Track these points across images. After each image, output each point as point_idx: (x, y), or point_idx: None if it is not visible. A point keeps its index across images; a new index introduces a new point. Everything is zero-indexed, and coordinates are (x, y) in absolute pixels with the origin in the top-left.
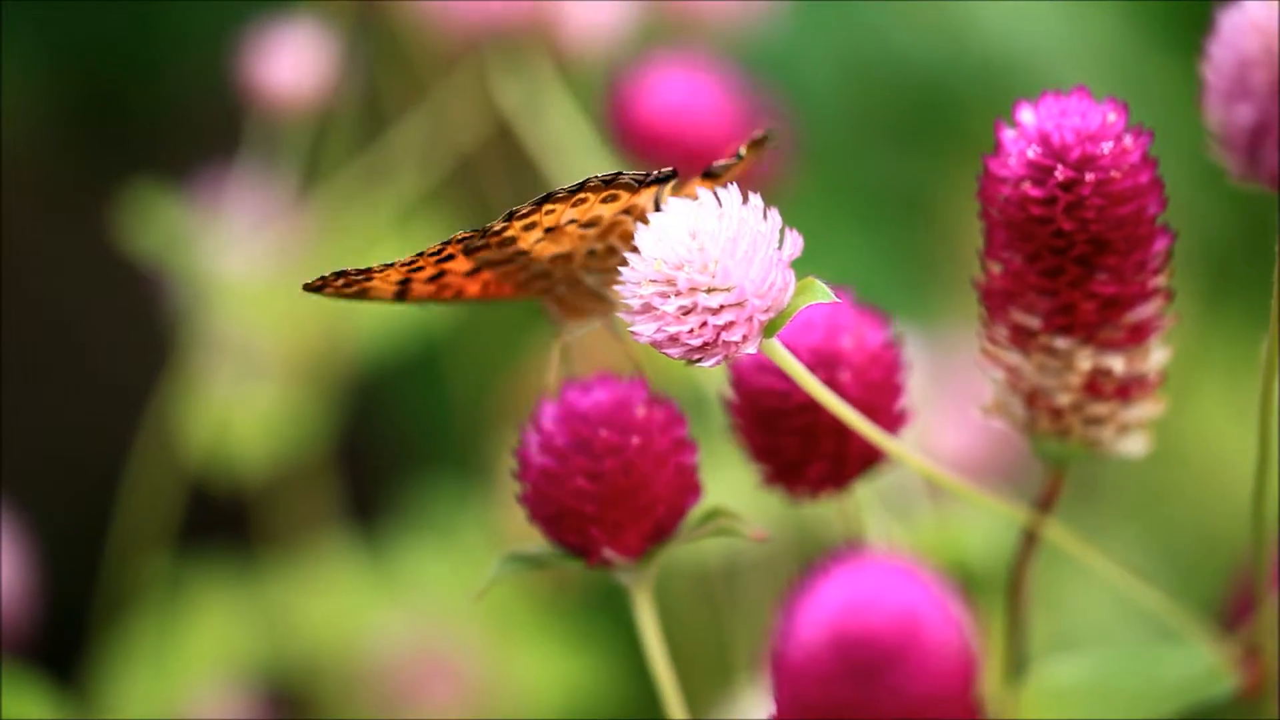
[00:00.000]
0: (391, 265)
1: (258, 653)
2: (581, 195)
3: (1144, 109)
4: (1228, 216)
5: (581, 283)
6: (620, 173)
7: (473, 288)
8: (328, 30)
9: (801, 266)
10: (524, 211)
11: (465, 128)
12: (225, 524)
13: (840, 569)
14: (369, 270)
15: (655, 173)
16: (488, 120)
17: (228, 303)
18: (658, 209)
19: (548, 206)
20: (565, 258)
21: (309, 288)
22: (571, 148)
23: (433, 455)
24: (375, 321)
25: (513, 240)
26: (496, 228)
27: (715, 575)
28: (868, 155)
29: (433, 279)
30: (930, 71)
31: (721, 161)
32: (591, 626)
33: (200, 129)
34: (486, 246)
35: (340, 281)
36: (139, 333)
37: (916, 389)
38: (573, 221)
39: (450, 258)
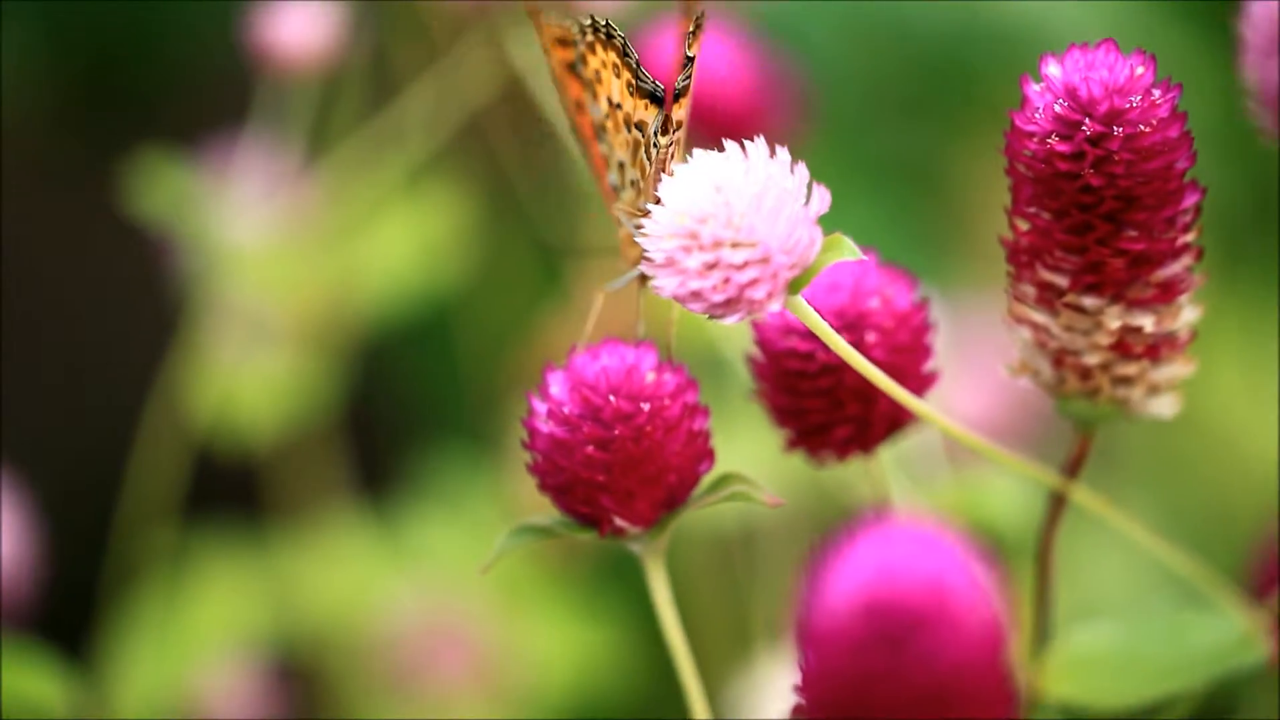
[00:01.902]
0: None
1: (266, 624)
2: (621, 56)
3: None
4: (1241, 185)
5: None
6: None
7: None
8: None
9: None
10: (589, 31)
11: (475, 90)
12: (233, 493)
13: (868, 535)
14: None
15: (654, 84)
16: (498, 82)
17: (236, 269)
18: (657, 138)
19: (593, 37)
20: (624, 170)
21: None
22: None
23: (443, 423)
24: (385, 286)
25: (584, 61)
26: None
27: (733, 541)
28: (879, 124)
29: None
30: (942, 40)
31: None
32: (604, 596)
33: (209, 94)
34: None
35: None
36: (146, 301)
37: (940, 352)
38: (618, 106)
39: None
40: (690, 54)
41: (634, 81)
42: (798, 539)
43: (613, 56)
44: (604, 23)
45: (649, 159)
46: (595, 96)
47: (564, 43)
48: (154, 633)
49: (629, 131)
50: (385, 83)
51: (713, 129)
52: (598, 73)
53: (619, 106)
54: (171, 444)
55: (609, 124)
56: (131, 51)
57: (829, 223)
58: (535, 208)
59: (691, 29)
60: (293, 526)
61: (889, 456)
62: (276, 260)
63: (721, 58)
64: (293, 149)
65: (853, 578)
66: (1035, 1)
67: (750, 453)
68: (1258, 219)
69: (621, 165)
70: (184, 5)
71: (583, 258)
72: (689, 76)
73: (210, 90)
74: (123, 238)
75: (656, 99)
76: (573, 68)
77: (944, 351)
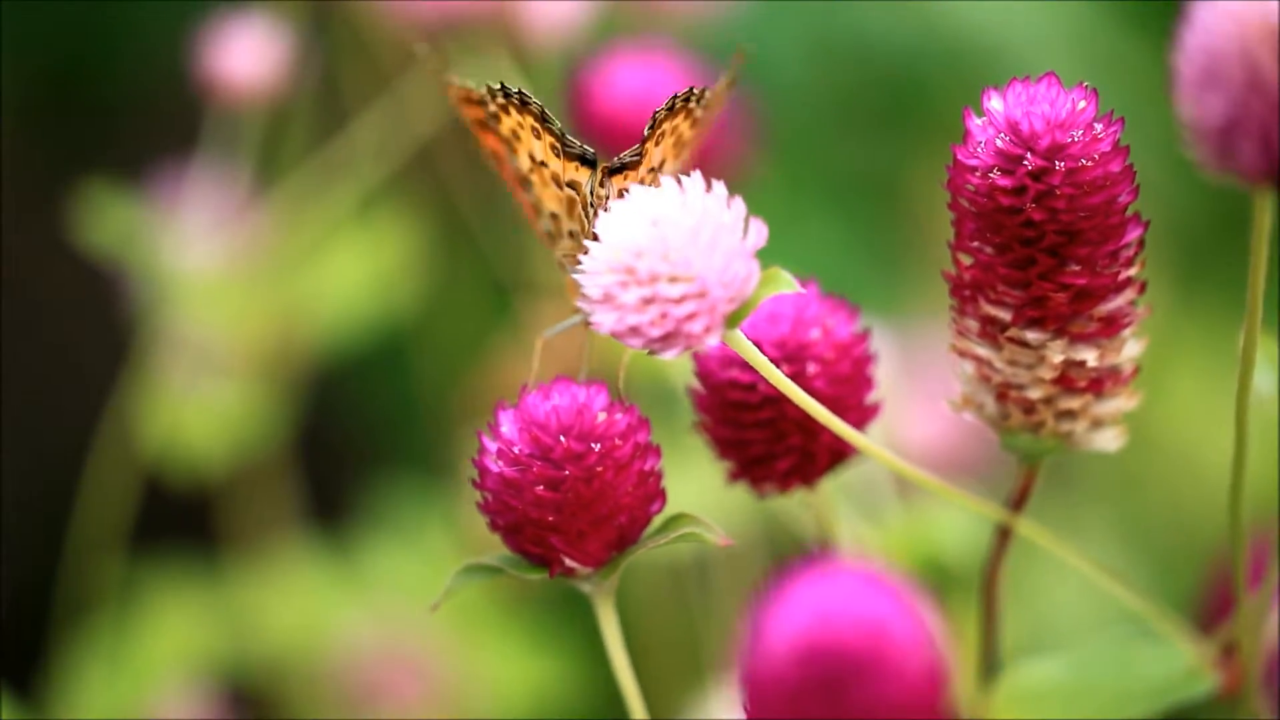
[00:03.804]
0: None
1: (220, 653)
2: (539, 122)
3: (1115, 92)
4: (1199, 200)
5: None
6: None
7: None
8: (285, 22)
9: (769, 253)
10: (500, 96)
11: (424, 119)
12: (186, 523)
13: (808, 578)
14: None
15: (583, 149)
16: (447, 111)
17: (186, 298)
18: (593, 198)
19: (505, 101)
20: (558, 220)
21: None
22: None
23: (397, 451)
24: (336, 314)
25: (499, 123)
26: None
27: (687, 565)
28: (836, 141)
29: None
30: (899, 56)
31: (628, 152)
32: (558, 624)
33: (158, 122)
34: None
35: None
36: (97, 331)
37: (885, 378)
38: (543, 164)
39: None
40: (647, 134)
41: (559, 145)
42: (753, 563)
43: (530, 120)
44: (515, 90)
45: (587, 214)
46: (514, 151)
47: (472, 102)
48: (106, 662)
49: (560, 189)
50: (334, 111)
51: None
52: (514, 132)
53: (544, 164)
54: (123, 474)
55: (534, 177)
56: (88, 77)
57: (786, 241)
58: (486, 237)
59: (652, 122)
60: (246, 556)
61: (835, 487)
62: (227, 289)
63: (667, 81)
64: (242, 177)
65: (792, 621)
66: (993, 18)
67: (705, 482)
68: (1217, 235)
69: (554, 216)
70: (142, 26)
71: (531, 292)
72: (637, 154)
73: (169, 114)
74: (74, 267)
75: (587, 161)
76: (485, 124)
77: (897, 375)
